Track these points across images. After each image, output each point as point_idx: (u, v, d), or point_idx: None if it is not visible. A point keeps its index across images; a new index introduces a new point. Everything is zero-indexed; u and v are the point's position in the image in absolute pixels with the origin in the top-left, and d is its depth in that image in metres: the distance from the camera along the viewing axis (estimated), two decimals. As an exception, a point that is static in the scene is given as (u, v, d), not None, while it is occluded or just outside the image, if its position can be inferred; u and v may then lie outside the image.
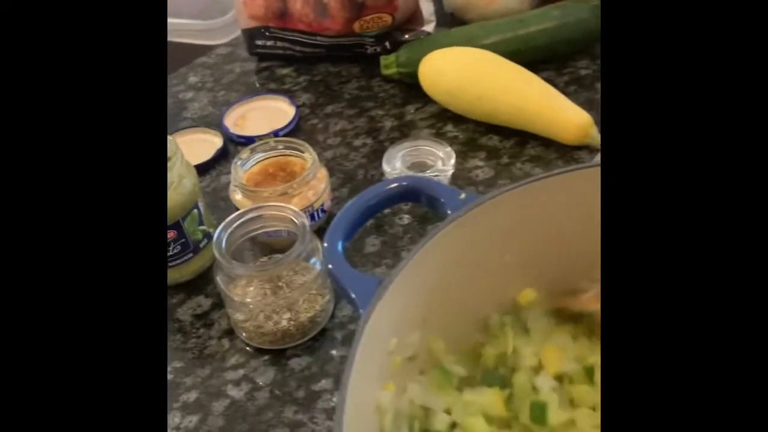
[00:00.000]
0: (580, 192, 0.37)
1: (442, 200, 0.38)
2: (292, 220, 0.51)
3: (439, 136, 0.70)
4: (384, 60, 0.76)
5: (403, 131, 0.72)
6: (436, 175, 0.63)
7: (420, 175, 0.62)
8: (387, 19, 0.75)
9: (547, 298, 0.41)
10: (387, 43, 0.78)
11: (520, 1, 0.80)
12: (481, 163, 0.67)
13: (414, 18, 0.79)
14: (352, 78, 0.79)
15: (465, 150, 0.68)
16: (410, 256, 0.33)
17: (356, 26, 0.75)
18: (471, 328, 0.40)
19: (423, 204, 0.40)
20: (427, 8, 0.79)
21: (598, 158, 0.64)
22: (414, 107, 0.74)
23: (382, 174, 0.66)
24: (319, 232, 0.60)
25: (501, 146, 0.68)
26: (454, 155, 0.64)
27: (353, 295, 0.33)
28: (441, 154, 0.65)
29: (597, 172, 0.39)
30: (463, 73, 0.69)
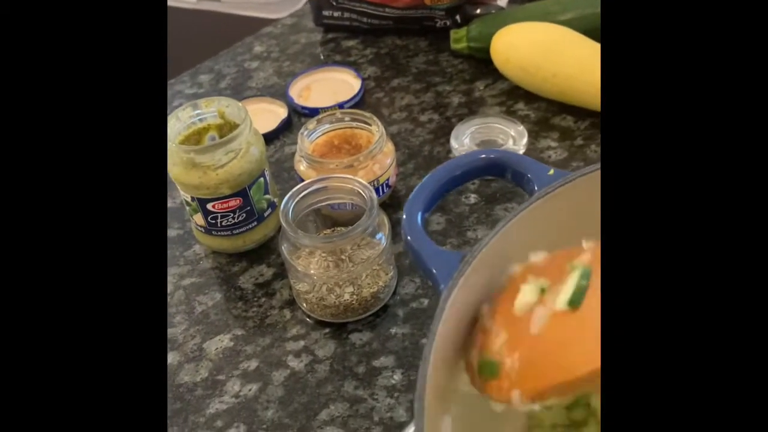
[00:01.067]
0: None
1: (529, 176, 0.36)
2: (360, 192, 0.50)
3: (510, 114, 0.68)
4: (454, 34, 0.74)
5: (472, 108, 0.69)
6: (506, 154, 0.61)
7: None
8: (459, -9, 0.73)
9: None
10: (458, 17, 0.76)
11: (600, -25, 0.76)
12: (554, 144, 0.64)
13: (487, -9, 0.76)
14: (419, 52, 0.77)
15: (537, 129, 0.66)
16: (494, 231, 0.32)
17: (427, -2, 0.73)
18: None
19: (508, 179, 0.38)
20: (501, -19, 0.76)
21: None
22: (483, 83, 0.72)
23: (448, 151, 0.64)
24: (384, 207, 0.59)
25: (575, 127, 0.65)
26: (526, 134, 0.62)
27: (434, 270, 0.32)
28: (512, 132, 0.62)
29: None
30: (538, 49, 0.66)
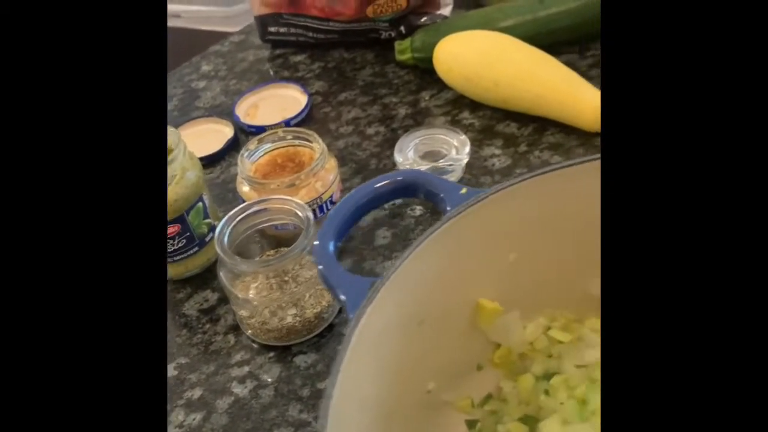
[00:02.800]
0: (590, 185, 0.35)
1: (442, 195, 0.36)
2: (296, 213, 0.50)
3: (455, 123, 0.68)
4: (398, 45, 0.74)
5: (417, 119, 0.69)
6: (450, 164, 0.61)
7: (425, 166, 0.59)
8: (401, 2, 0.73)
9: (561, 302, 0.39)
10: (402, 28, 0.76)
11: (541, -20, 0.76)
12: (497, 152, 0.64)
13: (430, 1, 0.76)
14: (366, 64, 0.77)
15: (481, 138, 0.66)
16: (405, 255, 0.32)
17: (369, 11, 0.73)
18: (466, 331, 0.38)
19: (422, 199, 0.38)
20: (443, -10, 0.76)
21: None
22: (429, 94, 0.72)
23: (394, 164, 0.64)
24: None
25: (519, 134, 0.66)
26: (468, 143, 0.62)
27: (343, 297, 0.32)
28: (455, 142, 0.62)
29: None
30: (479, 57, 0.66)
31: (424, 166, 0.61)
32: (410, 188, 0.37)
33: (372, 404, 0.32)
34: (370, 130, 0.69)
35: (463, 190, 0.35)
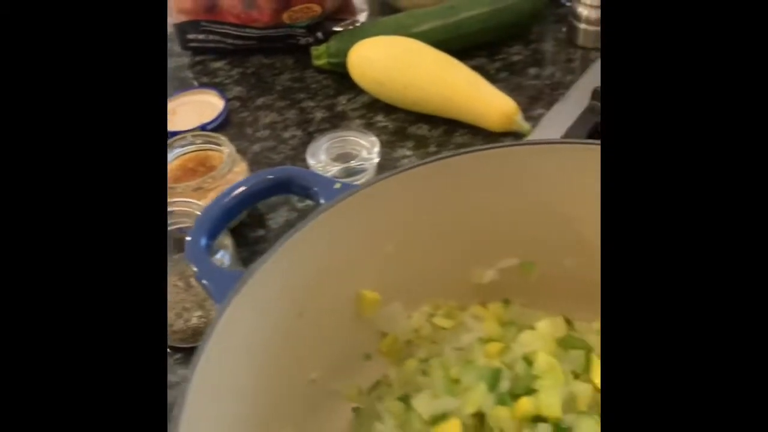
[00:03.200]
0: (458, 180, 0.37)
1: (316, 189, 0.37)
2: (197, 215, 0.51)
3: (369, 126, 0.70)
4: (314, 51, 0.75)
5: (334, 122, 0.71)
6: (361, 164, 0.62)
7: (336, 168, 0.61)
8: (316, 9, 0.74)
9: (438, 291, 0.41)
10: (319, 34, 0.77)
11: (452, -13, 0.79)
12: (408, 153, 0.66)
13: (345, 7, 0.78)
14: (285, 70, 0.79)
15: (394, 140, 0.68)
16: (273, 249, 0.33)
17: (285, 17, 0.74)
18: (351, 321, 0.39)
19: (298, 195, 0.39)
20: (358, -3, 0.78)
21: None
22: (346, 98, 0.73)
23: (308, 167, 0.65)
24: (240, 227, 0.60)
25: (429, 135, 0.68)
26: (378, 144, 0.63)
27: (211, 288, 0.33)
28: (366, 143, 0.64)
29: (471, 158, 0.38)
30: (390, 62, 0.68)
31: (335, 168, 0.62)
32: (284, 185, 0.38)
33: (250, 393, 0.33)
34: (287, 134, 0.70)
35: (337, 185, 0.37)
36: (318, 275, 0.36)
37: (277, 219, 0.61)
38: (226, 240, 0.52)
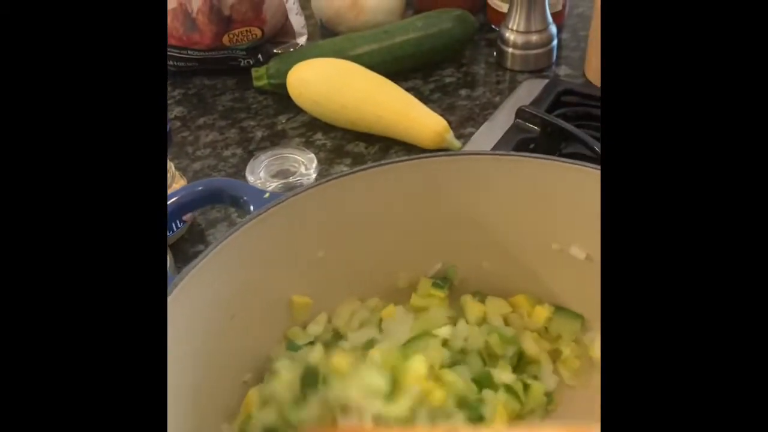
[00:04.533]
0: (380, 190, 0.39)
1: (246, 199, 0.39)
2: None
3: (309, 144, 0.72)
4: (255, 72, 0.77)
5: (274, 141, 0.73)
6: (299, 180, 0.65)
7: (275, 184, 0.63)
8: (256, 32, 0.77)
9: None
10: (260, 56, 0.80)
11: (388, 12, 0.83)
12: (346, 169, 0.69)
13: (285, 31, 0.81)
14: (226, 90, 0.81)
15: (332, 157, 0.70)
16: (205, 253, 0.35)
17: (225, 39, 0.77)
18: (285, 324, 0.41)
19: (228, 205, 0.41)
20: (298, 21, 0.81)
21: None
22: (286, 117, 0.76)
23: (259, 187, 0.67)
24: (180, 242, 0.61)
25: (366, 152, 0.71)
26: (315, 161, 0.66)
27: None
28: (304, 160, 0.67)
29: (396, 168, 0.41)
30: (327, 83, 0.71)
31: (274, 184, 0.64)
32: (216, 195, 0.41)
33: (188, 392, 0.35)
34: (227, 152, 0.72)
35: (266, 195, 0.39)
36: (249, 279, 0.38)
37: (216, 234, 0.63)
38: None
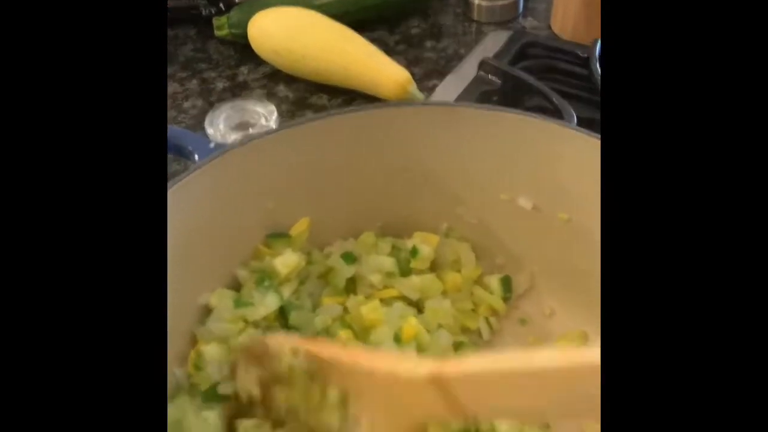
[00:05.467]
0: (339, 138, 0.39)
1: (191, 149, 0.39)
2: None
3: (271, 96, 0.71)
4: (216, 21, 0.76)
5: (235, 92, 0.72)
6: (258, 132, 0.64)
7: (235, 136, 0.63)
8: (217, -21, 0.75)
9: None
10: (221, 5, 0.78)
11: (353, -39, 0.81)
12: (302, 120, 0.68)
13: (247, -21, 0.78)
14: (187, 40, 0.79)
15: (294, 109, 0.70)
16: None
17: (185, -13, 0.74)
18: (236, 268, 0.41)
19: (173, 154, 0.41)
20: (261, -31, 0.79)
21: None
22: (248, 68, 0.75)
23: (207, 136, 0.66)
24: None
25: (329, 104, 0.70)
26: (276, 112, 0.65)
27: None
28: (264, 112, 0.66)
29: (356, 116, 0.41)
30: (288, 33, 0.70)
31: (234, 136, 0.64)
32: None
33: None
34: (187, 104, 0.71)
35: (212, 144, 0.38)
36: (197, 229, 0.38)
37: (175, 186, 0.62)
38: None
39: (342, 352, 0.32)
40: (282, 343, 0.33)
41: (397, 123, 0.43)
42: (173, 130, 0.41)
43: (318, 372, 0.31)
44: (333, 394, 0.31)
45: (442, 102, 0.53)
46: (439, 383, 0.26)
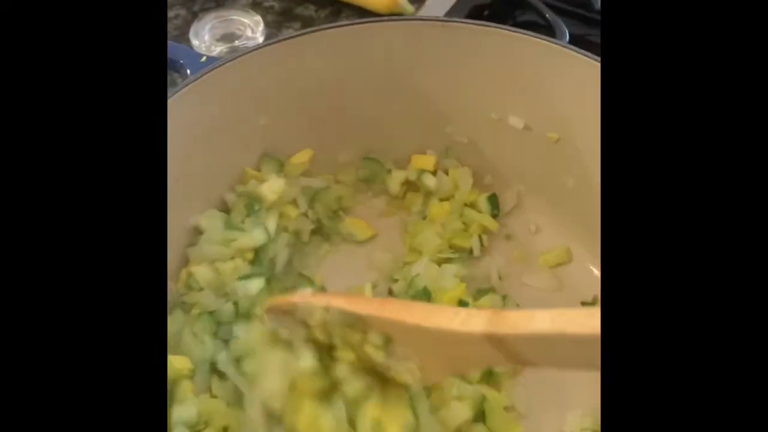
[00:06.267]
0: (336, 50, 0.38)
1: (182, 62, 0.38)
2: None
3: (256, 6, 0.69)
4: (197, -77, 0.72)
5: (219, 1, 0.69)
6: (245, 44, 0.62)
7: (220, 48, 0.61)
8: None
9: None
10: None
11: None
12: (293, 33, 0.66)
13: None
14: (167, -56, 0.75)
15: (280, 20, 0.68)
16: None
17: None
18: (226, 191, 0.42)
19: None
20: None
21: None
22: (232, -24, 0.72)
23: (192, 48, 0.64)
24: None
25: (316, 16, 0.68)
26: (262, 23, 0.63)
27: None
28: (249, 23, 0.64)
29: (357, 29, 0.40)
30: (274, -63, 0.67)
31: (219, 48, 0.62)
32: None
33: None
34: (170, 13, 0.68)
35: (203, 58, 0.38)
36: (191, 143, 0.38)
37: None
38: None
39: (380, 308, 0.31)
40: (311, 301, 0.32)
41: (387, 38, 0.42)
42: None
43: (356, 323, 0.31)
44: (375, 337, 0.31)
45: (433, 17, 0.52)
46: (493, 339, 0.26)
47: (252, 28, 0.63)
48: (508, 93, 0.43)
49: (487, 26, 0.41)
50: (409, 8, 0.66)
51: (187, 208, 0.40)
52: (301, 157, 0.44)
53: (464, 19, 0.42)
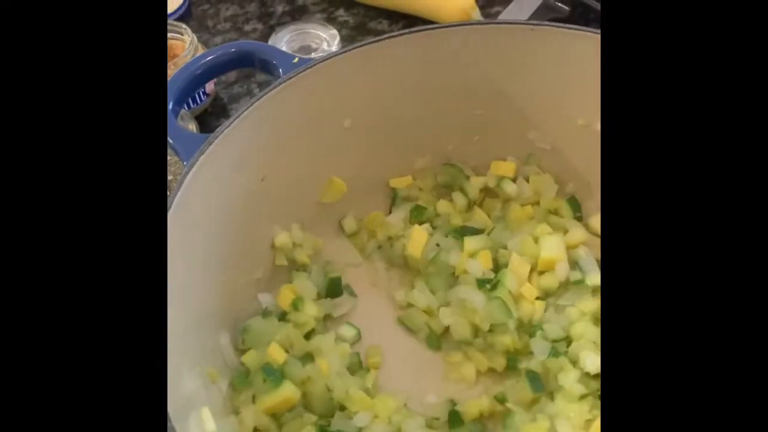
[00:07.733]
0: (411, 56, 0.39)
1: (275, 62, 0.39)
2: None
3: (330, 20, 0.70)
4: (275, -58, 0.74)
5: (295, 16, 0.71)
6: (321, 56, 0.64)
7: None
8: None
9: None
10: (279, -75, 0.76)
11: None
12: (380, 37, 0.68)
13: None
14: (246, -38, 0.78)
15: (354, 34, 0.69)
16: (237, 115, 0.35)
17: None
18: (313, 189, 0.42)
19: (258, 68, 0.41)
20: None
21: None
22: (306, -8, 0.74)
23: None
24: (204, 116, 0.62)
25: (389, 29, 0.69)
26: (338, 37, 0.65)
27: (178, 149, 0.35)
28: (326, 36, 0.65)
29: (439, 33, 0.40)
30: (350, -46, 0.69)
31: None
32: (246, 58, 0.40)
33: (219, 246, 0.37)
34: (248, 27, 0.71)
35: (296, 60, 0.39)
36: (278, 142, 0.39)
37: (239, 109, 0.63)
38: (191, 124, 0.54)
39: None
40: None
41: (468, 42, 0.42)
42: (257, 44, 0.41)
43: None
44: None
45: (520, 21, 0.52)
46: None
47: (328, 41, 0.65)
48: (596, 98, 0.43)
49: (578, 30, 0.41)
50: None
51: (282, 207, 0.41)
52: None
53: (553, 23, 0.42)
